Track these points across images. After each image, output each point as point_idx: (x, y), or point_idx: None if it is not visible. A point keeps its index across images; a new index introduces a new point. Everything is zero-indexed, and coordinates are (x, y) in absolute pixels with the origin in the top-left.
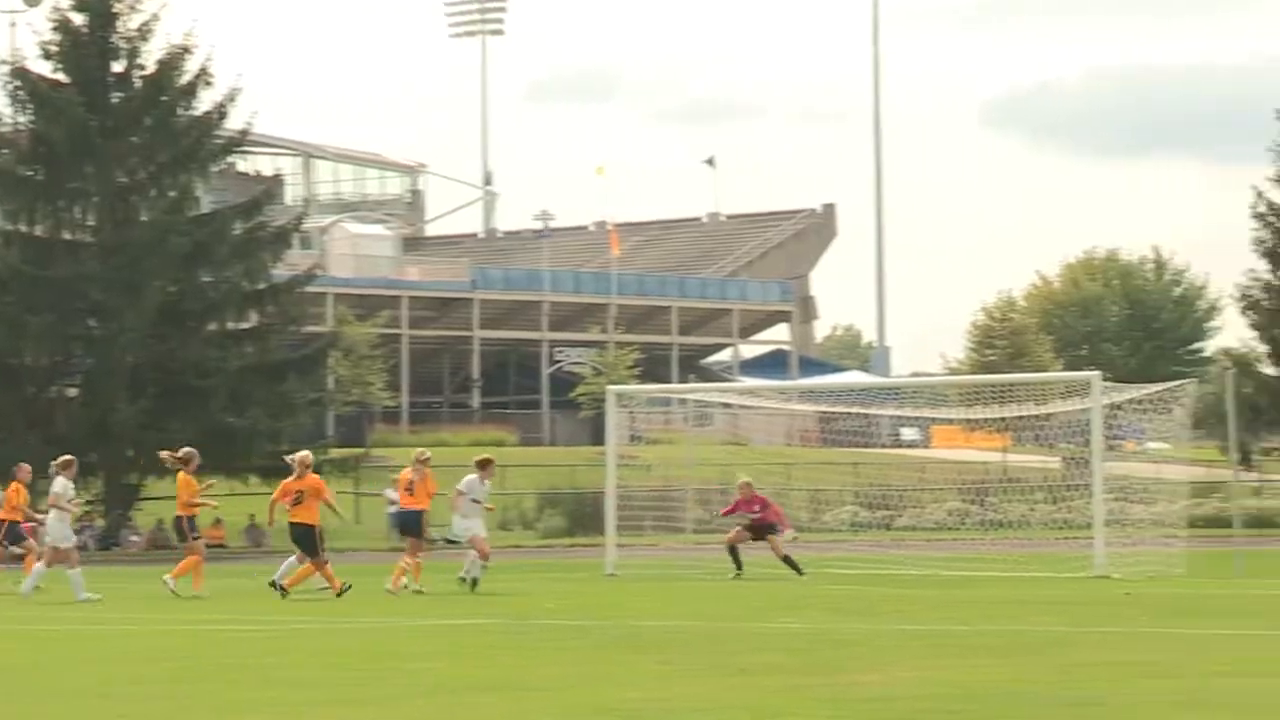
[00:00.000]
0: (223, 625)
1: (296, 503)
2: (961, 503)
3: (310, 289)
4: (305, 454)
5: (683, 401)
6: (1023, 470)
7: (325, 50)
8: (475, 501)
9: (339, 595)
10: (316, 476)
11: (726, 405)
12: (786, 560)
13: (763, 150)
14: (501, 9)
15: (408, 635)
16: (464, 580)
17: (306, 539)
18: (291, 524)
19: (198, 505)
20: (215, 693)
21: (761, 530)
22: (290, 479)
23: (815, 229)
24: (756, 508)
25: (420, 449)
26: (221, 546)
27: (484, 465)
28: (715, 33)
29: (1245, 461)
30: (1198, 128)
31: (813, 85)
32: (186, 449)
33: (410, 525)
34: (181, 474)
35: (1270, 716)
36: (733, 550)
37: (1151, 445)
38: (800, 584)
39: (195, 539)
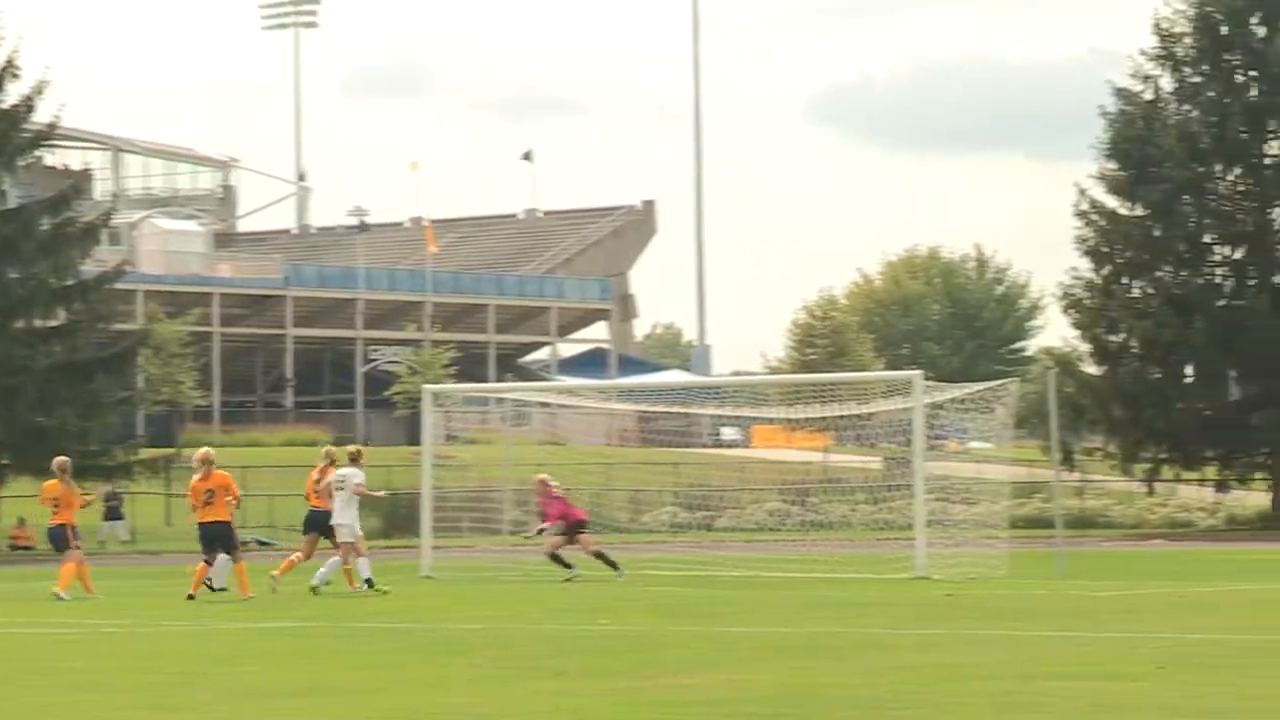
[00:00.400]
0: (29, 629)
1: (207, 502)
2: (782, 503)
3: (119, 286)
4: (206, 450)
5: (500, 401)
6: (844, 470)
7: (135, 42)
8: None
9: (216, 591)
10: (223, 473)
11: (545, 405)
12: (600, 556)
13: (582, 146)
14: (315, 1)
15: (221, 639)
16: (317, 589)
17: (223, 537)
18: (203, 524)
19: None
20: (16, 697)
21: (572, 529)
22: (196, 479)
23: (635, 226)
24: (553, 509)
25: (329, 446)
26: (28, 548)
27: (357, 458)
28: (532, 26)
29: (1067, 462)
30: (1022, 124)
31: (633, 80)
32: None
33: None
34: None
35: (1078, 717)
36: (555, 557)
37: (974, 445)
38: (619, 586)
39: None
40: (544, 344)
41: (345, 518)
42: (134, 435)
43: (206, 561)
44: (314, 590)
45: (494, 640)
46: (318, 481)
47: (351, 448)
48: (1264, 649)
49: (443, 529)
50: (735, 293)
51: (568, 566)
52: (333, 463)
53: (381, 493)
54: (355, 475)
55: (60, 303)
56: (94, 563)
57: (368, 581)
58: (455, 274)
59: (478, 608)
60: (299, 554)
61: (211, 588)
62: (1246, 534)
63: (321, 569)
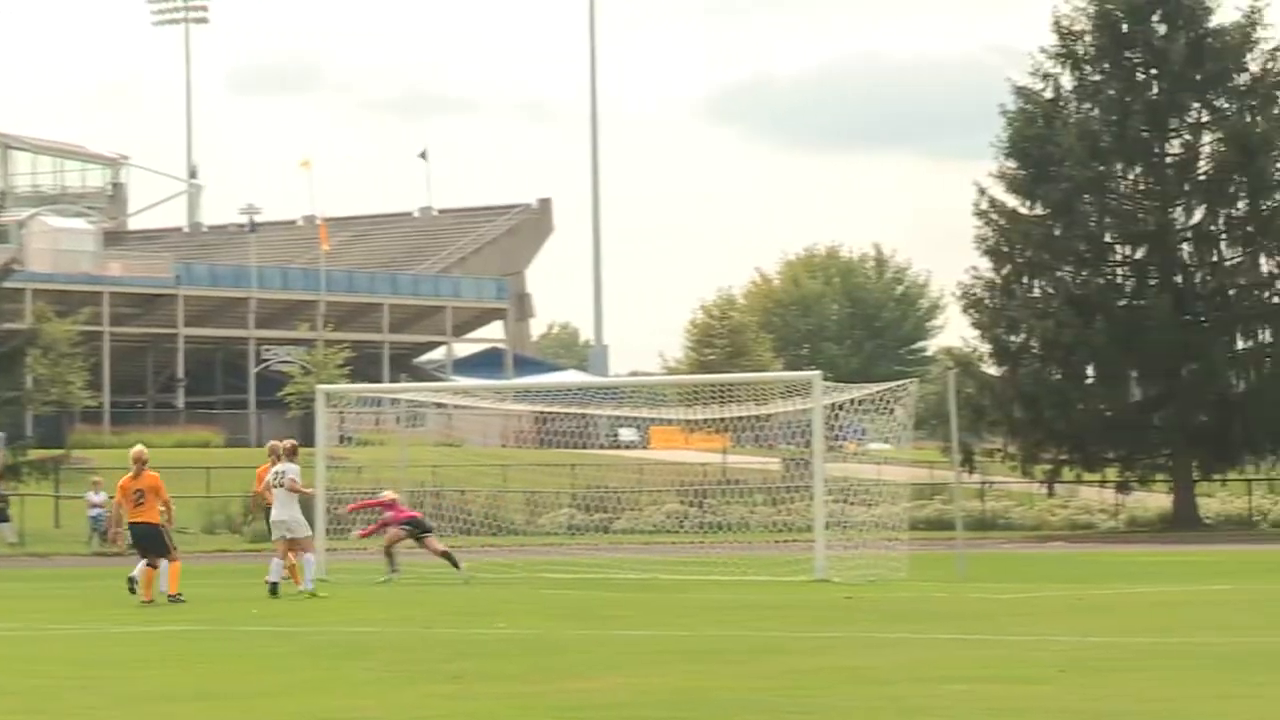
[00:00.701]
0: None
1: (137, 503)
2: (680, 505)
3: (7, 285)
4: (140, 449)
5: (394, 401)
6: (742, 472)
7: (23, 38)
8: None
9: (173, 599)
10: (154, 474)
11: (440, 405)
12: (446, 556)
13: (477, 144)
14: None
15: (112, 643)
16: (271, 587)
17: (153, 540)
18: (133, 525)
19: None
20: None
21: (418, 531)
22: (127, 477)
23: (531, 224)
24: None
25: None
26: None
27: (293, 453)
28: (425, 23)
29: (967, 463)
30: (922, 122)
31: (529, 78)
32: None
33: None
34: None
35: None
36: (389, 554)
37: (873, 446)
38: (516, 589)
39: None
40: (439, 344)
41: (286, 514)
42: (22, 436)
43: (150, 565)
44: (273, 591)
45: (388, 644)
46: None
47: (287, 442)
48: (1162, 651)
49: (336, 531)
50: (633, 293)
51: (393, 570)
52: (278, 458)
53: (312, 490)
54: (291, 470)
55: None
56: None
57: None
58: (349, 273)
59: (370, 610)
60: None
61: (132, 589)
62: (1147, 536)
63: (271, 568)
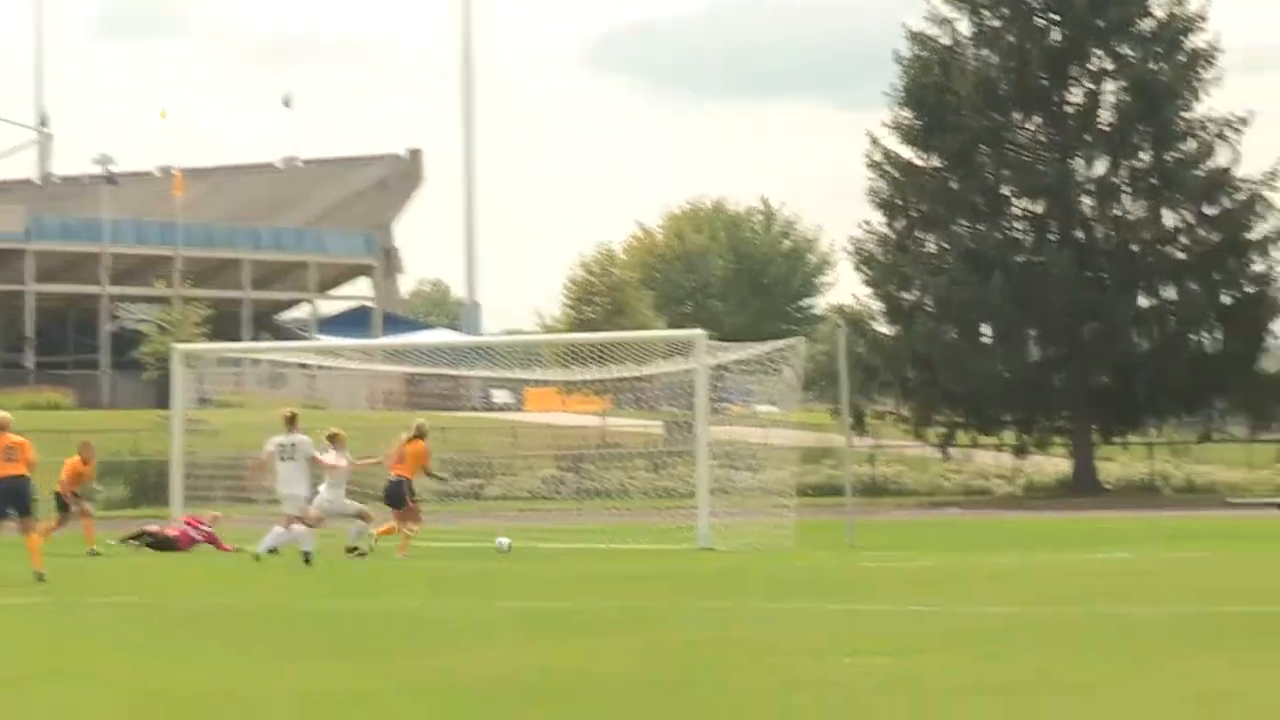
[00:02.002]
0: None
1: (8, 459)
2: (557, 470)
3: None
4: (4, 415)
5: (256, 362)
6: (622, 435)
7: None
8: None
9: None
10: (21, 437)
11: (303, 366)
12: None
13: (344, 93)
14: None
15: None
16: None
17: (21, 493)
18: (1, 479)
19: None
20: None
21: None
22: None
23: (400, 176)
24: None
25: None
26: None
27: (294, 420)
28: None
29: (858, 426)
30: (814, 70)
31: (400, 24)
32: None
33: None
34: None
35: (870, 696)
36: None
37: (759, 408)
38: (385, 560)
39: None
40: (302, 301)
41: (299, 488)
42: None
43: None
44: (257, 558)
45: (260, 617)
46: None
47: (287, 410)
48: (1061, 622)
49: (194, 498)
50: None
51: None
52: (421, 436)
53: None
54: (304, 443)
55: None
56: None
57: (306, 555)
58: (208, 227)
59: (232, 582)
60: (410, 524)
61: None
62: (1045, 502)
63: (266, 538)
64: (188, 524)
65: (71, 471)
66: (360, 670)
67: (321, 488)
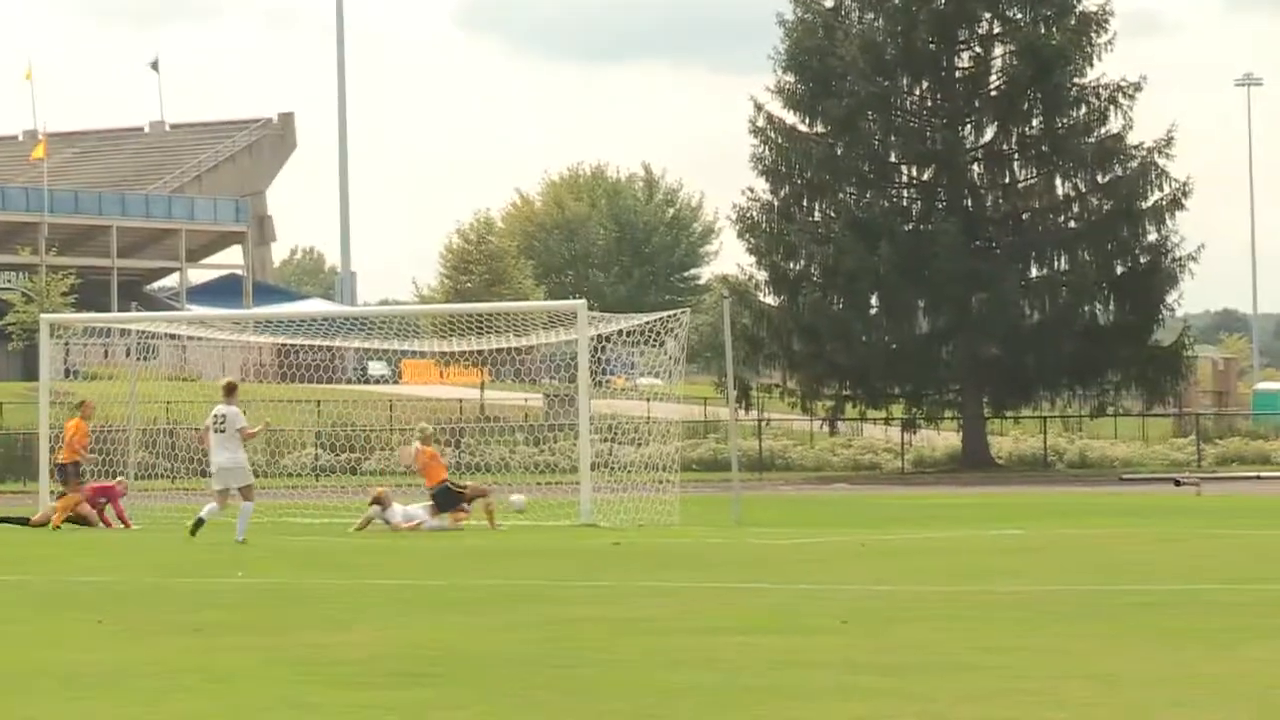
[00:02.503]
0: None
1: None
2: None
3: None
4: None
5: (124, 332)
6: (502, 408)
7: None
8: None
9: None
10: None
11: (173, 337)
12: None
13: (215, 55)
14: None
15: None
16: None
17: None
18: None
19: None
20: None
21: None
22: None
23: (272, 141)
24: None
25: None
26: None
27: (232, 390)
28: None
29: (743, 399)
30: (698, 33)
31: None
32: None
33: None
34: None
35: (758, 676)
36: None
37: (643, 381)
38: (257, 535)
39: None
40: (172, 270)
41: (230, 459)
42: None
43: None
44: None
45: (121, 594)
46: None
47: (224, 381)
48: (952, 601)
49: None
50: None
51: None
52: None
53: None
54: (233, 413)
55: None
56: None
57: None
58: (74, 193)
59: (100, 558)
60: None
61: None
62: (935, 477)
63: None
64: (94, 493)
65: (80, 432)
66: (222, 647)
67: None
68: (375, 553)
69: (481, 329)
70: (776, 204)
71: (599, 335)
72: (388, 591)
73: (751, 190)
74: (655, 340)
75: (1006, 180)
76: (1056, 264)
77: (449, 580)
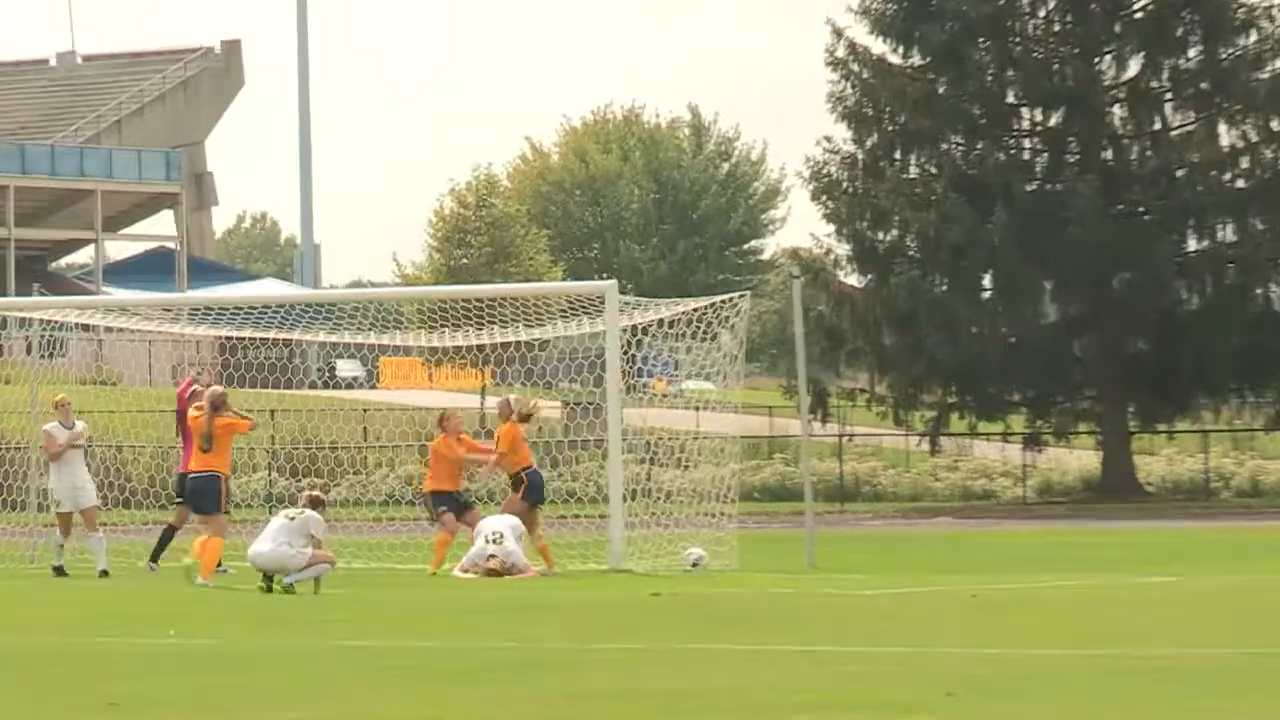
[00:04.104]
0: None
1: None
2: (422, 466)
3: None
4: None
5: (24, 323)
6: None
7: None
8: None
9: None
10: None
11: (86, 328)
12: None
13: None
14: None
15: None
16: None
17: None
18: None
19: None
20: None
21: None
22: None
23: (213, 78)
24: None
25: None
26: None
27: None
28: None
29: (819, 408)
30: None
31: None
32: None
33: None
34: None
35: None
36: None
37: (690, 385)
38: (176, 587)
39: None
40: (85, 242)
41: (73, 479)
42: None
43: None
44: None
45: (16, 659)
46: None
47: (60, 397)
48: (1079, 667)
49: None
50: (354, 173)
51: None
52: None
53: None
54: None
55: None
56: None
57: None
58: None
59: (8, 611)
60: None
61: None
62: (1066, 509)
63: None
64: None
65: None
66: None
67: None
68: (343, 607)
69: (482, 318)
70: (861, 157)
71: (634, 326)
72: (359, 657)
73: (829, 140)
74: (706, 333)
75: (1156, 126)
76: (1221, 234)
77: (440, 642)
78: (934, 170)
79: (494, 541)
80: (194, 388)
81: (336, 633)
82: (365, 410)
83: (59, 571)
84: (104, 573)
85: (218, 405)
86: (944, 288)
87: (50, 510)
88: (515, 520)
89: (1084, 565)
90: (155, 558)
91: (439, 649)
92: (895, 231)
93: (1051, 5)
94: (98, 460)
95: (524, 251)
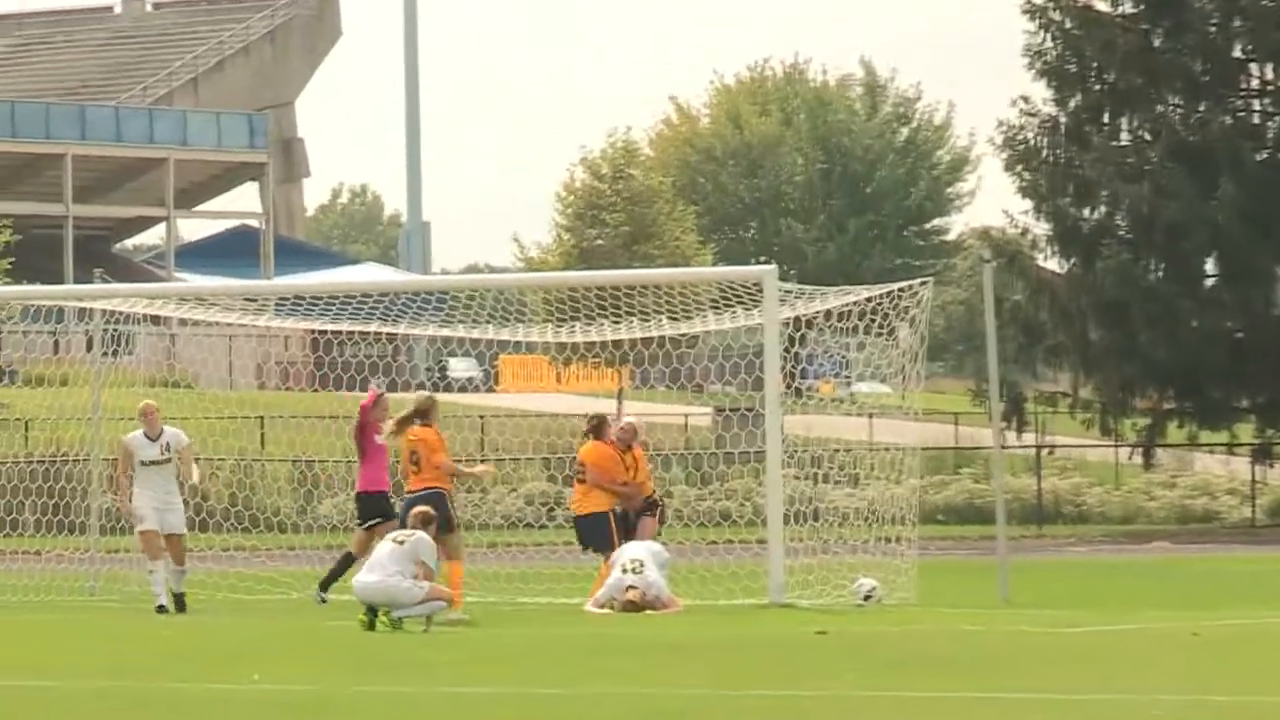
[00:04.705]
0: None
1: None
2: (549, 484)
3: None
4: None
5: (83, 314)
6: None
7: None
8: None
9: None
10: None
11: (156, 321)
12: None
13: None
14: None
15: None
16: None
17: None
18: None
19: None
20: None
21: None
22: None
23: (304, 27)
24: None
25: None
26: None
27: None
28: None
29: (1015, 415)
30: None
31: None
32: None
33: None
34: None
35: None
36: None
37: (862, 388)
38: (283, 619)
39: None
40: (155, 221)
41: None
42: None
43: None
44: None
45: (79, 703)
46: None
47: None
48: None
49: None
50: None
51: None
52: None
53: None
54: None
55: None
56: None
57: None
58: (10, 104)
59: (41, 651)
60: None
61: None
62: None
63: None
64: None
65: None
66: None
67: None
68: (453, 647)
69: (619, 309)
70: (1064, 121)
71: (796, 319)
72: (469, 705)
73: (1026, 101)
74: (881, 326)
75: None
76: None
77: (565, 689)
78: (1148, 136)
79: (633, 571)
80: (381, 397)
81: (444, 677)
82: (482, 417)
83: (163, 609)
84: (161, 608)
85: (425, 413)
86: (1160, 274)
87: (128, 531)
88: (658, 546)
89: None
90: (326, 586)
91: (563, 697)
92: (1103, 208)
93: None
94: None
95: (668, 231)
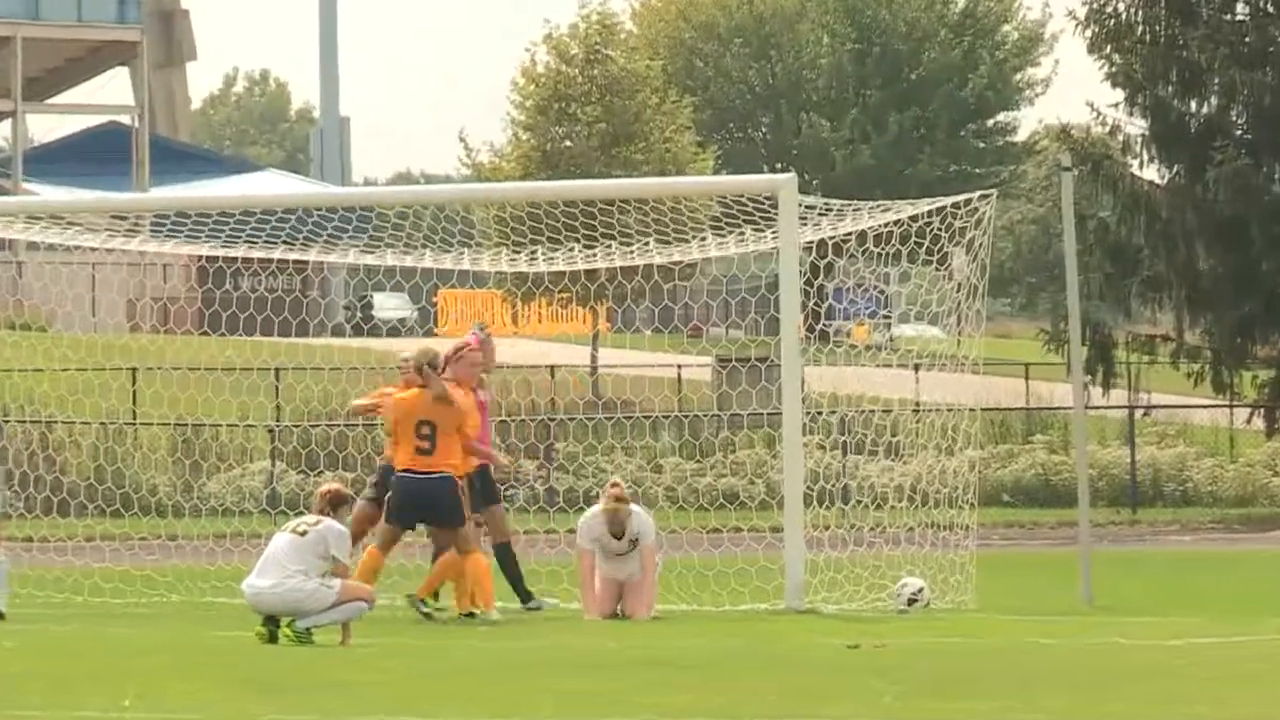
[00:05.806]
0: None
1: None
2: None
3: None
4: None
5: None
6: (633, 384)
7: None
8: None
9: None
10: None
11: (2, 246)
12: None
13: None
14: None
15: None
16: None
17: None
18: None
19: None
20: None
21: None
22: None
23: None
24: None
25: None
26: None
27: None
28: None
29: (1102, 365)
30: None
31: None
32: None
33: None
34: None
35: None
36: None
37: (905, 331)
38: (165, 625)
39: None
40: (1, 116)
41: None
42: None
43: None
44: None
45: None
46: None
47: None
48: None
49: None
50: (401, 14)
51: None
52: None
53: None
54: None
55: None
56: None
57: None
58: None
59: None
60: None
61: None
62: None
63: None
64: None
65: None
66: None
67: None
68: (387, 662)
69: (594, 231)
70: None
71: (821, 242)
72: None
73: None
74: (930, 253)
75: None
76: None
77: (516, 718)
78: (1271, 8)
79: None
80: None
81: (367, 702)
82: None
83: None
84: None
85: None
86: None
87: None
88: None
89: None
90: (525, 597)
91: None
92: (1215, 100)
93: None
94: (19, 441)
95: (656, 130)
